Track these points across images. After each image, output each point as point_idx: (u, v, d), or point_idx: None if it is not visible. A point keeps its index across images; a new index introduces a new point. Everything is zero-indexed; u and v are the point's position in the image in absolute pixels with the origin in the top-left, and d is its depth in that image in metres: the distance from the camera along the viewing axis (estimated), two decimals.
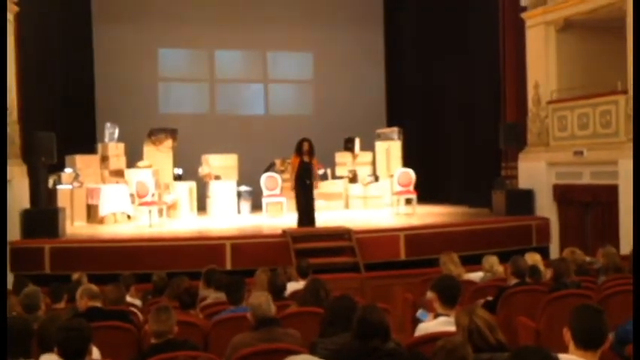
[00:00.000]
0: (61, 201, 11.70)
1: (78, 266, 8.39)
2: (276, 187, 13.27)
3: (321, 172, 11.32)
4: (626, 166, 9.81)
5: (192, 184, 13.51)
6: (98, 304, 5.42)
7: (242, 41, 16.38)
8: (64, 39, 13.94)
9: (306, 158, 10.87)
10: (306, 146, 10.87)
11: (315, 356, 3.80)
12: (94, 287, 5.76)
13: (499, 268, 7.19)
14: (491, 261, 7.26)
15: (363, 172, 14.39)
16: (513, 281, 6.24)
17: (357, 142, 14.60)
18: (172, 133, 13.62)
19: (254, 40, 16.36)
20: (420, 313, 5.30)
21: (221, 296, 6.17)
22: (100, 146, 13.37)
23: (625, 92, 10.06)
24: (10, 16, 9.98)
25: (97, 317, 4.82)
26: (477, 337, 3.58)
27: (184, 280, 6.40)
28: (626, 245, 8.83)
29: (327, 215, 12.19)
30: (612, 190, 10.19)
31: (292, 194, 13.34)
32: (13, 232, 9.57)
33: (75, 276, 7.63)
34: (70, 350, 3.58)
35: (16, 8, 10.34)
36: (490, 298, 6.11)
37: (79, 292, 5.57)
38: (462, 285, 4.99)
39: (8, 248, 9.17)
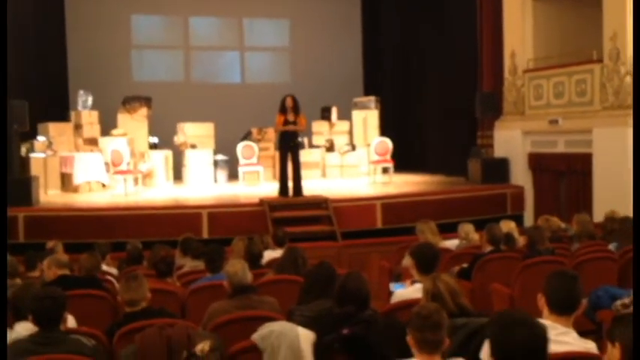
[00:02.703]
0: (35, 169, 11.55)
1: (52, 235, 8.29)
2: (253, 155, 13.21)
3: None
4: (600, 135, 9.90)
5: (167, 153, 13.39)
6: (67, 272, 5.37)
7: (217, 7, 16.15)
8: (36, 5, 13.64)
9: (290, 117, 10.19)
10: (289, 102, 10.18)
11: (292, 323, 3.82)
12: (62, 257, 5.70)
13: (474, 236, 7.25)
14: (467, 229, 7.31)
15: (340, 141, 14.36)
16: (488, 248, 6.30)
17: (334, 111, 14.53)
18: (147, 101, 13.42)
19: (229, 7, 16.15)
20: (392, 285, 5.33)
21: (198, 265, 6.16)
22: (73, 114, 13.16)
23: (600, 61, 10.11)
24: None
25: (69, 285, 4.77)
26: (439, 302, 3.59)
27: (162, 249, 6.36)
28: (599, 213, 8.93)
29: (305, 184, 12.16)
30: (587, 159, 10.28)
31: (269, 163, 13.37)
32: None
33: (50, 244, 7.55)
34: (44, 318, 3.56)
35: None
36: (465, 265, 6.16)
37: (46, 262, 5.52)
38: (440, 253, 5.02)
39: None
